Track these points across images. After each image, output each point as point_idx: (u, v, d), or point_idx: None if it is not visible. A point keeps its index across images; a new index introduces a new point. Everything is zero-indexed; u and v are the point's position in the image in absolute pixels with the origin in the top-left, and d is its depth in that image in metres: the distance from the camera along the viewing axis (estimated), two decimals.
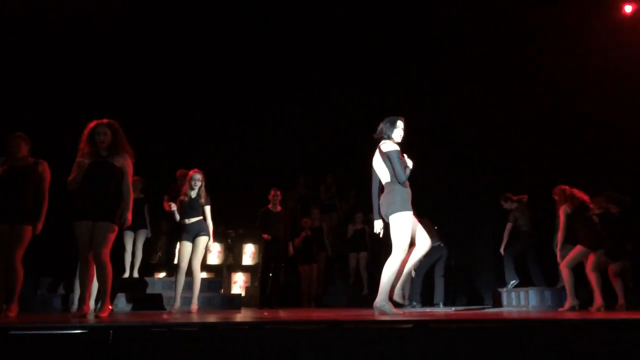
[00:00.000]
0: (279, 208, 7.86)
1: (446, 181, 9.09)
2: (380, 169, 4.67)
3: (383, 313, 4.44)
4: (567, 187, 6.48)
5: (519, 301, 7.80)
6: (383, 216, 4.66)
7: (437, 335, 3.28)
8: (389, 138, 4.64)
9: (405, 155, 4.65)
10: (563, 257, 6.53)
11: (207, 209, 5.97)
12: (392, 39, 9.91)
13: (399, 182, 4.51)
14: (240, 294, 7.91)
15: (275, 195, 7.86)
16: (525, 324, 3.59)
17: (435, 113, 9.37)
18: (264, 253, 7.90)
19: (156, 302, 6.71)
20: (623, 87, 8.14)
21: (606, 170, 7.74)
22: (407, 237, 4.49)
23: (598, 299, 6.23)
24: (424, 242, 4.62)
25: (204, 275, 9.02)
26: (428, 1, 9.41)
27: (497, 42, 8.96)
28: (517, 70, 8.87)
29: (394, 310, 4.55)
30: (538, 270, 7.83)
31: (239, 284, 9.66)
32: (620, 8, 8.70)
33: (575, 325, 3.63)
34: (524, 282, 7.90)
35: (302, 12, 9.63)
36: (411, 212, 4.49)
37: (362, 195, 10.16)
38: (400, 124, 4.70)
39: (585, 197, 6.39)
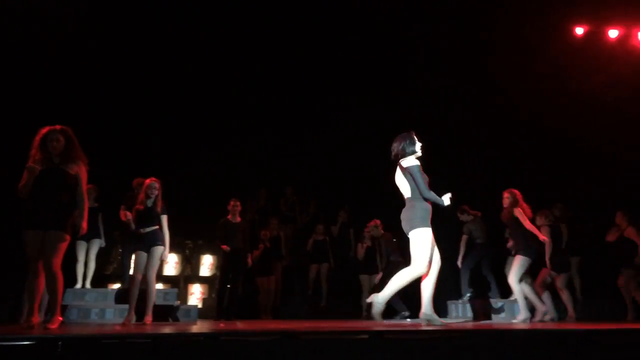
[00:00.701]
0: (238, 219, 7.80)
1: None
2: (402, 184, 4.75)
3: (430, 324, 4.59)
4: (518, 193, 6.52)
5: (477, 310, 7.87)
6: (404, 230, 4.69)
7: (392, 346, 3.31)
8: (413, 153, 4.74)
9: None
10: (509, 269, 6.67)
11: (164, 218, 5.87)
12: (347, 55, 10.13)
13: (423, 197, 4.57)
14: (197, 306, 7.77)
15: (234, 205, 7.79)
16: (477, 335, 3.66)
17: (396, 127, 9.45)
18: (222, 264, 7.82)
19: (109, 314, 6.53)
20: (577, 104, 8.51)
21: (559, 183, 8.04)
22: (427, 253, 4.54)
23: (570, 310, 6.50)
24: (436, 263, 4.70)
25: (160, 286, 8.84)
26: (395, 22, 9.65)
27: (462, 59, 9.27)
28: (477, 88, 9.16)
29: (442, 320, 4.78)
30: (493, 282, 7.98)
31: (196, 295, 9.50)
32: (572, 30, 9.06)
33: (521, 335, 3.73)
34: (479, 294, 8.04)
35: (252, 28, 9.71)
36: (430, 229, 4.56)
37: (322, 207, 10.42)
38: (416, 138, 4.81)
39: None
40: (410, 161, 4.70)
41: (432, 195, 4.64)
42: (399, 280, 4.59)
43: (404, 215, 4.68)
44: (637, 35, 8.66)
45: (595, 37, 8.91)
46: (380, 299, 4.60)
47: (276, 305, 8.85)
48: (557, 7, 8.70)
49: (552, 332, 3.96)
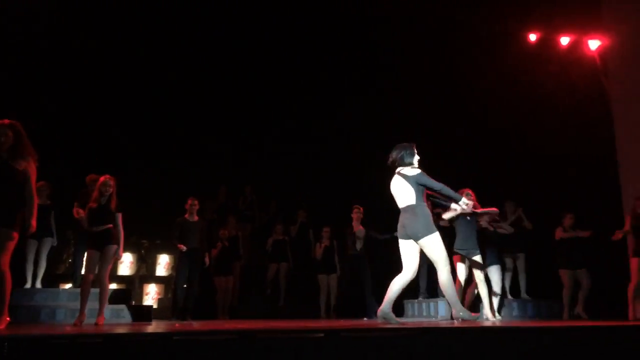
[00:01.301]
0: (196, 218, 7.69)
1: (369, 192, 9.22)
2: (402, 192, 4.89)
3: (386, 322, 4.79)
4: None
5: (428, 311, 8.04)
6: (411, 236, 4.81)
7: (348, 345, 3.33)
8: (410, 165, 4.93)
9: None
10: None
11: (118, 216, 5.74)
12: (310, 56, 10.19)
13: (442, 194, 4.83)
14: (152, 306, 7.63)
15: (192, 204, 7.67)
16: (432, 333, 3.72)
17: (356, 129, 9.77)
18: (179, 264, 7.72)
19: (60, 315, 6.35)
20: (531, 108, 8.79)
21: (511, 183, 8.25)
22: (444, 251, 4.76)
23: None
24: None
25: (114, 286, 8.67)
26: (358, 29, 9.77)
27: (423, 62, 9.48)
28: (438, 90, 9.37)
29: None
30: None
31: (151, 295, 9.34)
32: (527, 36, 9.33)
33: (475, 333, 3.82)
34: (434, 293, 8.19)
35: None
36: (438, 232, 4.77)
37: (282, 207, 10.45)
38: (415, 150, 5.02)
39: None
40: (414, 171, 4.88)
41: (450, 191, 4.87)
42: (448, 288, 4.81)
43: (408, 222, 4.81)
44: (586, 43, 8.90)
45: (547, 43, 9.15)
46: (457, 314, 4.85)
47: (234, 305, 8.79)
48: (512, 13, 8.94)
49: (506, 329, 4.07)
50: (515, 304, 7.90)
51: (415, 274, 4.94)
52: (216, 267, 8.53)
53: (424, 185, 4.85)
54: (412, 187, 4.83)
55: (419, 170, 4.91)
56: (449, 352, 3.47)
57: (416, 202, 4.82)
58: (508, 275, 8.08)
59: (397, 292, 4.90)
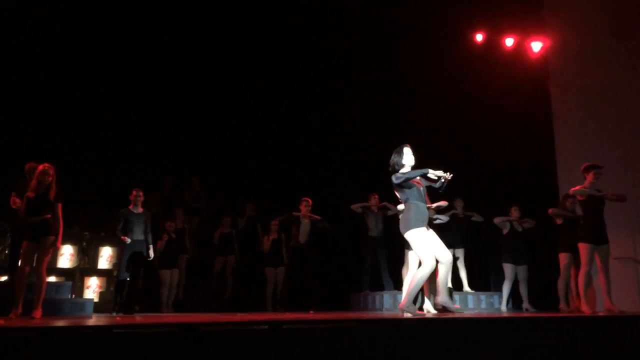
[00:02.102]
0: (140, 209, 7.52)
1: (316, 188, 9.40)
2: (399, 193, 5.16)
3: (408, 314, 4.90)
4: None
5: (374, 304, 8.18)
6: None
7: (291, 337, 3.35)
8: (401, 166, 5.14)
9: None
10: None
11: (57, 207, 5.55)
12: (259, 51, 10.20)
13: (407, 177, 4.99)
14: (93, 300, 7.43)
15: (137, 195, 7.48)
16: (374, 324, 3.79)
17: (305, 125, 9.89)
18: (122, 256, 7.53)
19: None
20: (476, 109, 9.01)
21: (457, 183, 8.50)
22: (427, 248, 4.91)
23: None
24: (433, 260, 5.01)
25: (53, 279, 8.40)
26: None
27: (371, 64, 9.61)
28: (386, 92, 9.53)
29: (418, 312, 5.16)
30: (388, 275, 8.35)
31: (92, 288, 9.09)
32: (473, 37, 9.56)
33: (412, 323, 3.92)
34: (379, 287, 8.36)
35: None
36: (423, 228, 4.94)
37: (230, 199, 10.35)
38: (406, 150, 5.20)
39: None
40: (394, 176, 5.10)
41: (415, 172, 5.05)
42: (415, 280, 4.96)
43: (400, 218, 5.13)
44: (530, 45, 9.14)
45: (493, 44, 9.36)
46: (404, 306, 5.01)
47: (179, 299, 8.67)
48: (459, 13, 9.10)
49: (447, 320, 4.19)
50: (457, 297, 8.13)
51: (447, 263, 5.05)
52: (161, 260, 8.39)
53: (400, 185, 5.05)
54: (397, 190, 5.12)
55: (400, 173, 5.10)
56: (394, 342, 3.55)
57: (404, 202, 5.10)
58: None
59: (418, 286, 5.02)
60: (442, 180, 5.09)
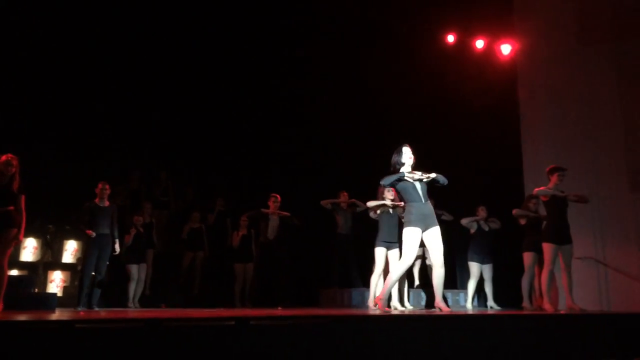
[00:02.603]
0: (106, 203, 7.37)
1: (286, 183, 9.46)
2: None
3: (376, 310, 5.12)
4: None
5: (342, 301, 8.25)
6: None
7: (258, 333, 3.34)
8: (402, 165, 5.29)
9: (418, 173, 5.24)
10: None
11: (21, 198, 5.40)
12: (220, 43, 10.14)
13: (387, 184, 5.25)
14: (56, 294, 7.25)
15: (103, 189, 7.31)
16: (342, 320, 3.80)
17: (273, 123, 9.97)
18: (87, 250, 7.37)
19: None
20: (449, 110, 9.12)
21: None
22: (410, 249, 5.06)
23: None
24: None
25: (15, 272, 8.16)
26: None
27: (341, 66, 9.67)
28: (356, 94, 9.57)
29: (386, 309, 5.35)
30: (357, 272, 8.41)
31: (56, 282, 8.86)
32: (444, 38, 9.68)
33: (380, 320, 3.95)
34: (348, 283, 8.42)
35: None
36: (418, 228, 5.06)
37: (200, 194, 10.29)
38: (405, 150, 5.35)
39: None
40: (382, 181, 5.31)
41: (388, 178, 5.23)
42: (391, 276, 5.16)
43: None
44: (500, 48, 9.27)
45: (464, 46, 9.47)
46: (382, 299, 5.19)
47: (145, 294, 8.56)
48: (431, 14, 9.20)
49: (414, 317, 4.23)
50: (423, 295, 8.26)
51: (441, 265, 5.19)
52: (129, 255, 8.26)
53: (393, 187, 5.33)
54: (397, 193, 5.44)
55: (389, 176, 5.28)
56: (362, 339, 3.57)
57: (408, 200, 5.26)
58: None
59: (394, 282, 5.24)
60: (435, 179, 5.24)
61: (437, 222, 5.22)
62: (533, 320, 4.58)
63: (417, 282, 8.49)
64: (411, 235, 5.06)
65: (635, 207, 7.94)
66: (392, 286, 5.24)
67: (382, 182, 5.26)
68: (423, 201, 5.17)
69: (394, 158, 5.35)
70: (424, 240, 5.16)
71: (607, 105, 8.37)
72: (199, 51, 10.07)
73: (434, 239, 5.13)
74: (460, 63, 9.32)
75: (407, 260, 5.08)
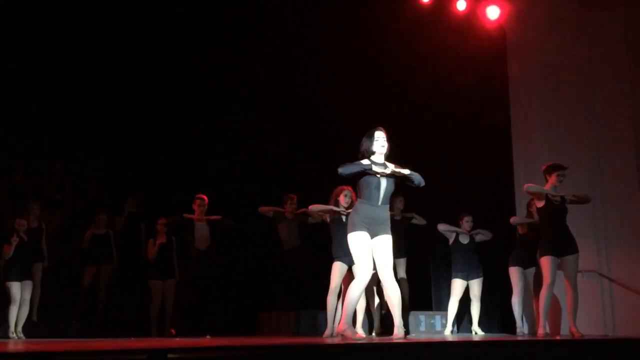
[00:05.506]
0: None
1: (218, 181, 9.53)
2: None
3: (345, 337, 5.15)
4: None
5: (288, 326, 8.27)
6: None
7: None
8: (371, 154, 5.35)
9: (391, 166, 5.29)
10: None
11: None
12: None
13: (345, 174, 5.24)
14: None
15: None
16: (287, 351, 3.79)
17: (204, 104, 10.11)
18: None
19: None
20: (424, 86, 9.25)
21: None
22: (360, 258, 5.22)
23: None
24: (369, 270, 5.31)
25: None
26: None
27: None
28: (310, 62, 9.77)
29: (358, 335, 5.58)
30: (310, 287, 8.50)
31: None
32: None
33: (334, 350, 3.95)
34: (295, 304, 8.43)
35: None
36: (363, 232, 5.20)
37: (106, 190, 10.19)
38: (378, 134, 5.38)
39: None
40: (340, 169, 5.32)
41: (348, 167, 5.23)
42: (347, 297, 5.27)
43: None
44: (485, 11, 9.20)
45: (442, 7, 9.40)
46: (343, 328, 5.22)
47: (33, 321, 8.38)
48: None
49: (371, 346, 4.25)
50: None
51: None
52: (9, 270, 8.02)
53: (349, 176, 5.32)
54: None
55: (359, 163, 5.34)
56: None
57: (357, 197, 5.50)
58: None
59: (353, 303, 5.32)
60: (408, 177, 5.33)
61: (389, 231, 5.32)
62: (523, 348, 4.66)
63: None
64: (357, 241, 5.20)
65: None
66: (352, 308, 5.28)
67: (340, 170, 5.23)
68: (378, 203, 5.29)
69: (363, 144, 5.43)
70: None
71: (614, 83, 8.50)
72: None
73: (382, 248, 5.23)
74: (437, 29, 9.33)
75: (364, 272, 5.14)
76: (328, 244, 6.98)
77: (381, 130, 5.42)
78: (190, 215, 8.14)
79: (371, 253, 5.21)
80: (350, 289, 5.26)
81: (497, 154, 8.97)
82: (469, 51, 9.14)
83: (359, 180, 5.29)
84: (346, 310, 5.26)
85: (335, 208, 6.86)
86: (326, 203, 7.02)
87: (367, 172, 5.21)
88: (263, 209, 8.52)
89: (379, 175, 5.22)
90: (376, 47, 9.46)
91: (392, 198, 8.00)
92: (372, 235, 5.22)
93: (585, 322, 7.06)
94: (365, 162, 5.31)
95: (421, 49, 9.27)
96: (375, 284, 7.12)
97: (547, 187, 6.62)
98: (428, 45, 9.27)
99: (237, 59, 9.95)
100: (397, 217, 8.59)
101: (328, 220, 6.99)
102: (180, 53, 10.27)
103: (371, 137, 5.39)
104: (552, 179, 6.60)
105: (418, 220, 8.77)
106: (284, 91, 9.78)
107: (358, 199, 5.39)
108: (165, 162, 10.27)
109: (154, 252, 8.70)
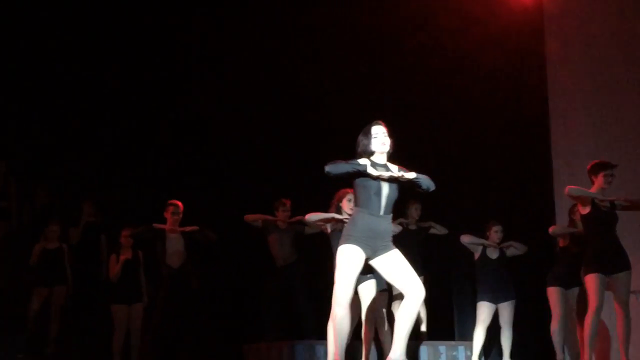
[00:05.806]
0: None
1: (197, 183, 9.43)
2: None
3: None
4: None
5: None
6: None
7: None
8: (370, 154, 5.02)
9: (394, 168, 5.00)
10: None
11: None
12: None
13: (333, 174, 4.90)
14: None
15: None
16: None
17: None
18: None
19: None
20: (445, 70, 9.03)
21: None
22: (342, 276, 4.86)
23: None
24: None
25: None
26: None
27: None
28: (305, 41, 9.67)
29: None
30: (308, 316, 8.23)
31: None
32: None
33: None
34: (290, 334, 8.26)
35: None
36: (357, 247, 4.86)
37: (59, 196, 9.90)
38: (376, 130, 5.04)
39: None
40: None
41: (340, 166, 4.90)
42: (333, 329, 5.00)
43: None
44: None
45: None
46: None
47: None
48: None
49: None
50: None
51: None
52: None
53: (337, 177, 5.00)
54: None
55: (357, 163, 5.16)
56: None
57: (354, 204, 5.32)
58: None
59: (341, 335, 5.04)
60: (415, 181, 4.95)
61: (392, 245, 4.97)
62: None
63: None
64: (346, 255, 4.84)
65: None
66: (343, 341, 4.99)
67: (327, 168, 4.83)
68: (380, 213, 4.91)
69: (360, 142, 5.09)
70: (377, 270, 5.03)
71: None
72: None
73: (393, 260, 4.93)
74: (461, 3, 9.06)
75: (342, 295, 4.83)
76: (328, 260, 6.47)
77: (380, 125, 5.07)
78: (161, 226, 7.79)
79: (357, 275, 4.91)
80: (333, 319, 4.96)
81: (533, 149, 8.81)
82: (499, 26, 8.95)
83: (355, 184, 4.98)
84: (336, 339, 4.96)
85: (337, 216, 6.45)
86: (326, 210, 6.63)
87: (362, 174, 4.84)
88: (250, 217, 8.28)
89: (378, 179, 4.94)
90: (384, 23, 9.34)
91: (406, 204, 8.26)
92: (373, 253, 4.87)
93: (637, 350, 6.92)
94: (362, 161, 4.93)
95: (440, 23, 9.09)
96: (385, 307, 6.99)
97: (594, 190, 6.30)
98: (448, 20, 9.04)
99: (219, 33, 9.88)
100: (412, 227, 8.44)
101: (328, 230, 6.60)
102: (143, 39, 10.10)
103: (368, 134, 5.06)
104: (599, 180, 6.27)
105: (437, 229, 8.49)
106: (273, 72, 9.70)
107: (355, 207, 5.07)
108: (132, 161, 9.92)
109: (117, 271, 8.38)
